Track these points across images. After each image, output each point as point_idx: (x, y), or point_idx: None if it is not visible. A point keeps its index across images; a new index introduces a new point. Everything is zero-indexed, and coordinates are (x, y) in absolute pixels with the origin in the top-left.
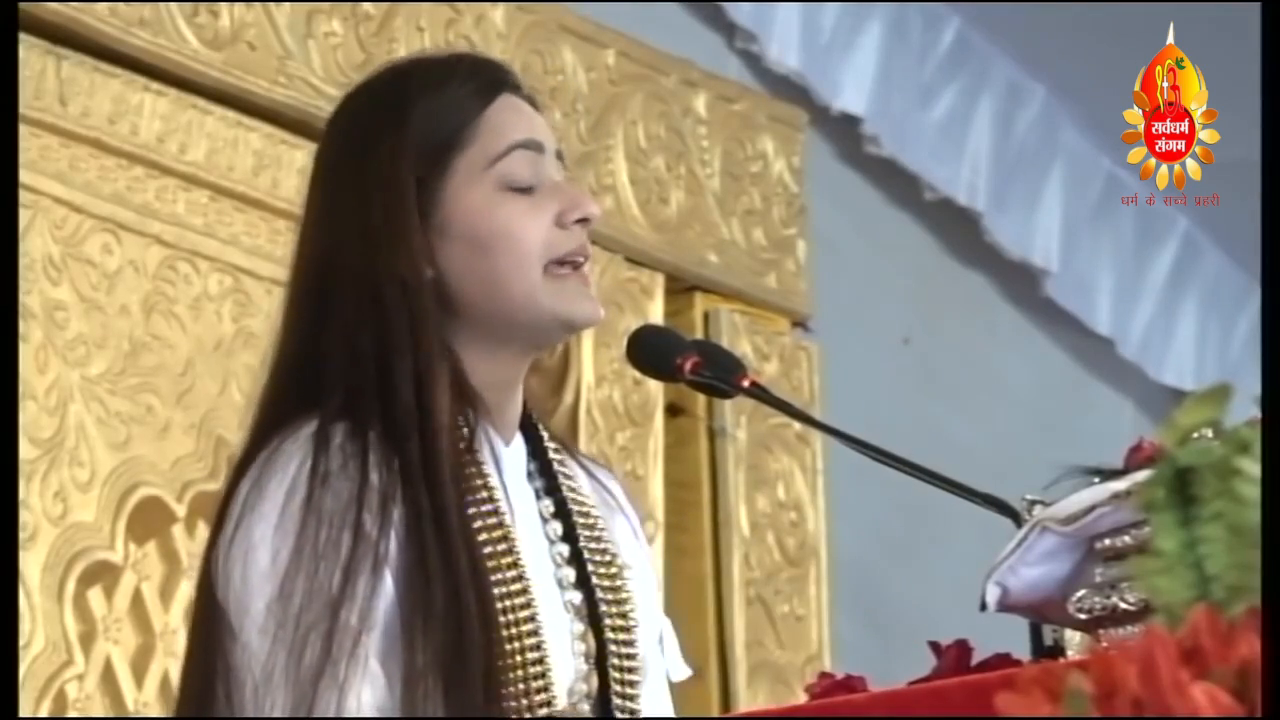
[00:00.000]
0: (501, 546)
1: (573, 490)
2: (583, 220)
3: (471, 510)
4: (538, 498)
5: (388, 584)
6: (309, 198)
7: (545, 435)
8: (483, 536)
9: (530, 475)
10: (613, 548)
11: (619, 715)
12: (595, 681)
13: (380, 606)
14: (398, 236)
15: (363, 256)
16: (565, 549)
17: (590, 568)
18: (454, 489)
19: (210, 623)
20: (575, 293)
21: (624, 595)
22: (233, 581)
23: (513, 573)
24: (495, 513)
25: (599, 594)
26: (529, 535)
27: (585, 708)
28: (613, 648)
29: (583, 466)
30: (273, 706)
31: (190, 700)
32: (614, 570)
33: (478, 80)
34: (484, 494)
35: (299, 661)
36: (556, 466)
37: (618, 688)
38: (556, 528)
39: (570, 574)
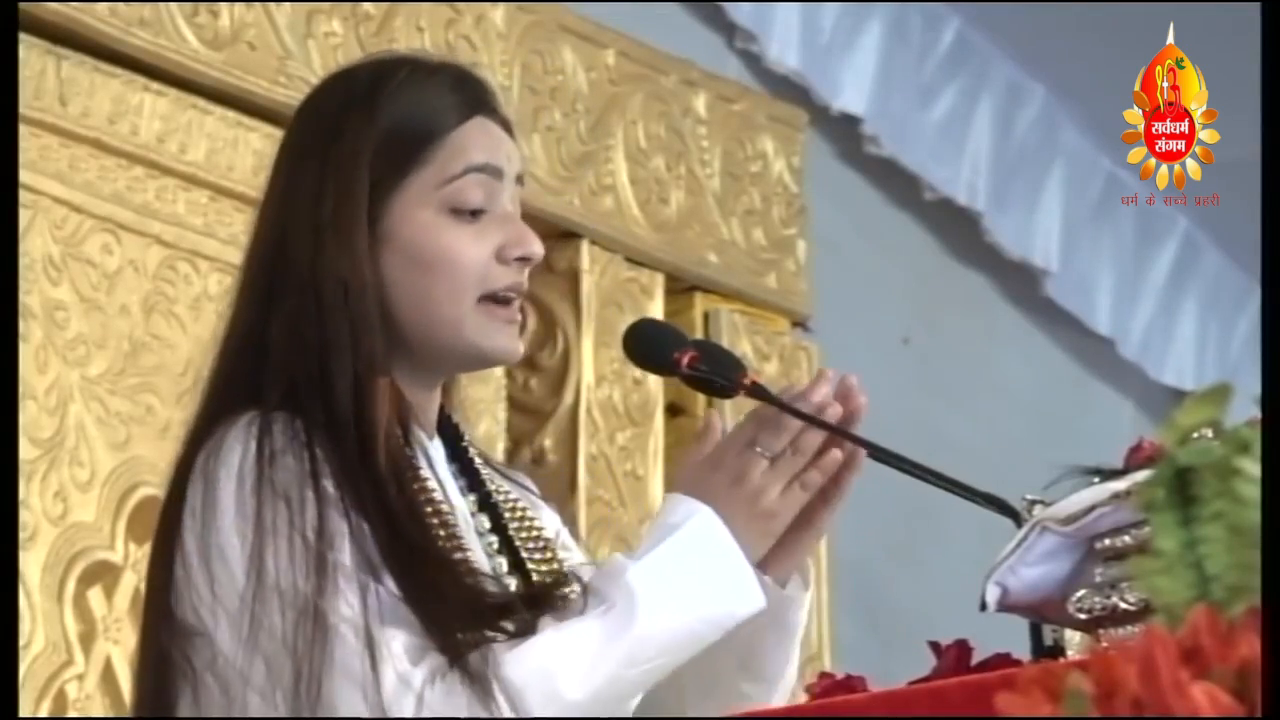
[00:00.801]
0: (443, 533)
1: (496, 487)
2: (523, 259)
3: (420, 502)
4: (463, 494)
5: (364, 527)
6: (271, 175)
7: (465, 436)
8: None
9: (454, 474)
10: (545, 533)
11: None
12: None
13: (366, 537)
14: (344, 237)
15: (309, 250)
16: (495, 539)
17: (524, 554)
18: (393, 483)
19: (168, 637)
20: (498, 329)
21: (561, 576)
22: (212, 584)
23: (459, 555)
24: (432, 502)
25: (535, 577)
26: (463, 527)
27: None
28: None
29: (497, 470)
30: (280, 679)
31: (151, 704)
32: (549, 554)
33: (456, 96)
34: (418, 486)
35: (287, 626)
36: (477, 464)
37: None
38: (484, 520)
39: (503, 562)
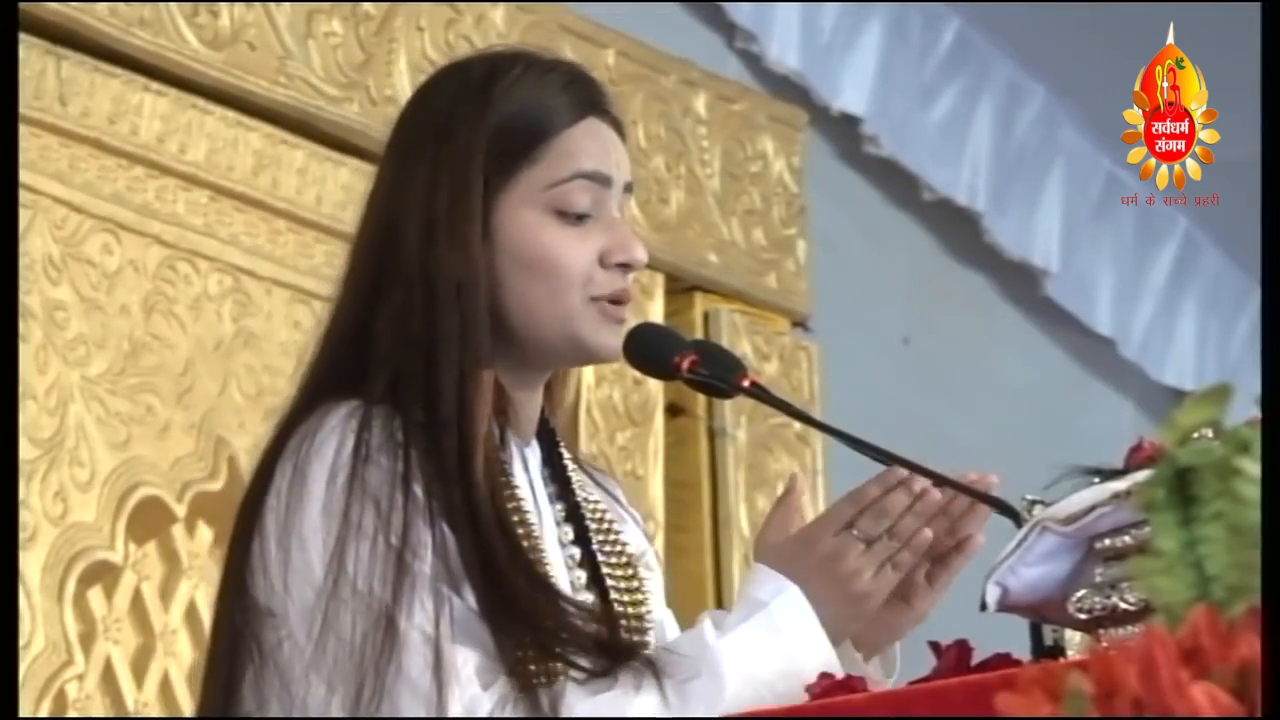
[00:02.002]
0: (526, 544)
1: (585, 496)
2: (625, 264)
3: (508, 510)
4: (551, 502)
5: (449, 534)
6: (382, 166)
7: (560, 444)
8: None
9: (545, 480)
10: (629, 549)
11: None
12: None
13: (451, 550)
14: (459, 233)
15: (422, 244)
16: (577, 551)
17: (605, 570)
18: (486, 486)
19: (243, 617)
20: (604, 325)
21: (640, 596)
22: (287, 572)
23: (539, 569)
24: (519, 510)
25: (613, 594)
26: (546, 538)
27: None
28: None
29: (590, 475)
30: (346, 680)
31: (216, 700)
32: (630, 572)
33: (569, 95)
34: (509, 493)
35: (360, 628)
36: (570, 472)
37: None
38: (569, 531)
39: (582, 576)
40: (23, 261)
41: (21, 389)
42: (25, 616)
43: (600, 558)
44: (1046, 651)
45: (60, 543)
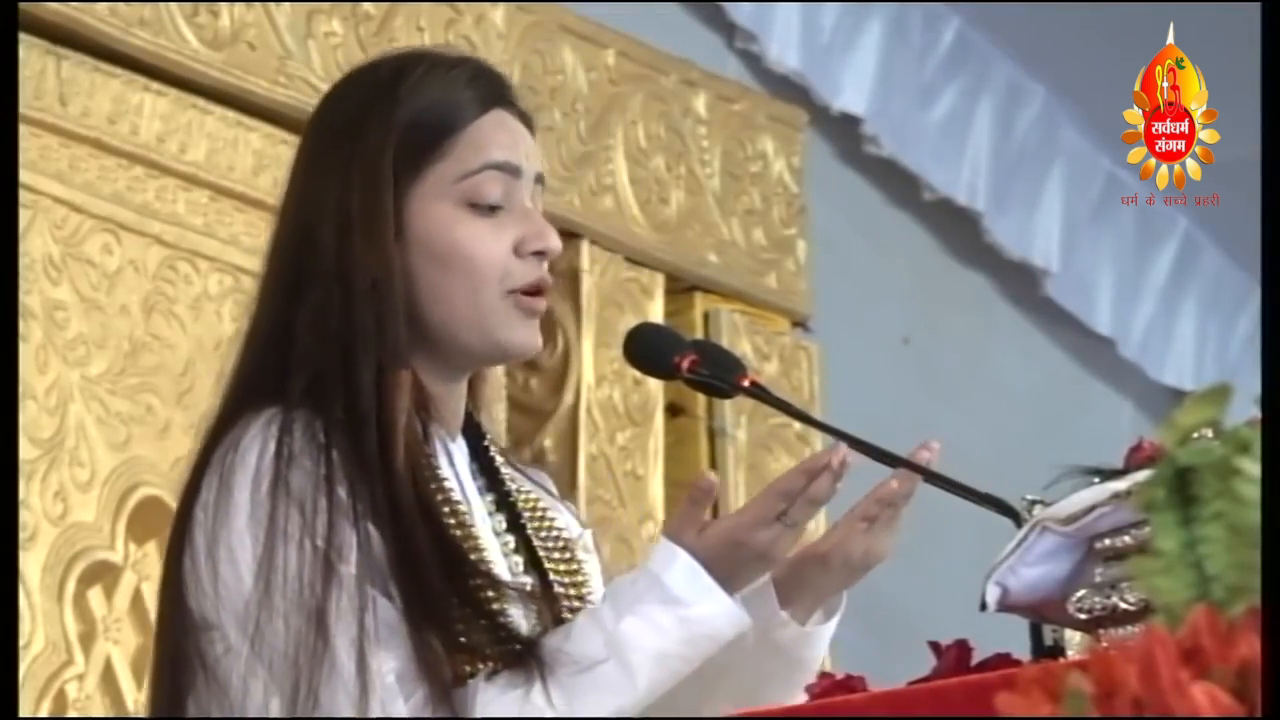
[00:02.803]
0: (459, 533)
1: (517, 486)
2: (540, 252)
3: (437, 502)
4: (481, 494)
5: (374, 535)
6: (293, 170)
7: (487, 437)
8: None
9: (473, 474)
10: (565, 533)
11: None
12: None
13: (374, 556)
14: (373, 230)
15: (337, 243)
16: (512, 539)
17: (542, 553)
18: (409, 480)
19: (181, 630)
20: (519, 321)
21: (580, 578)
22: (218, 582)
23: (474, 556)
24: (449, 501)
25: (553, 576)
26: (480, 526)
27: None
28: None
29: (518, 469)
30: (281, 687)
31: (166, 706)
32: (568, 555)
33: (476, 88)
34: (436, 485)
35: (291, 635)
36: (499, 463)
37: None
38: (501, 520)
39: (520, 561)
40: (23, 261)
41: (21, 389)
42: (25, 616)
43: (536, 542)
44: (1046, 651)
45: (60, 543)
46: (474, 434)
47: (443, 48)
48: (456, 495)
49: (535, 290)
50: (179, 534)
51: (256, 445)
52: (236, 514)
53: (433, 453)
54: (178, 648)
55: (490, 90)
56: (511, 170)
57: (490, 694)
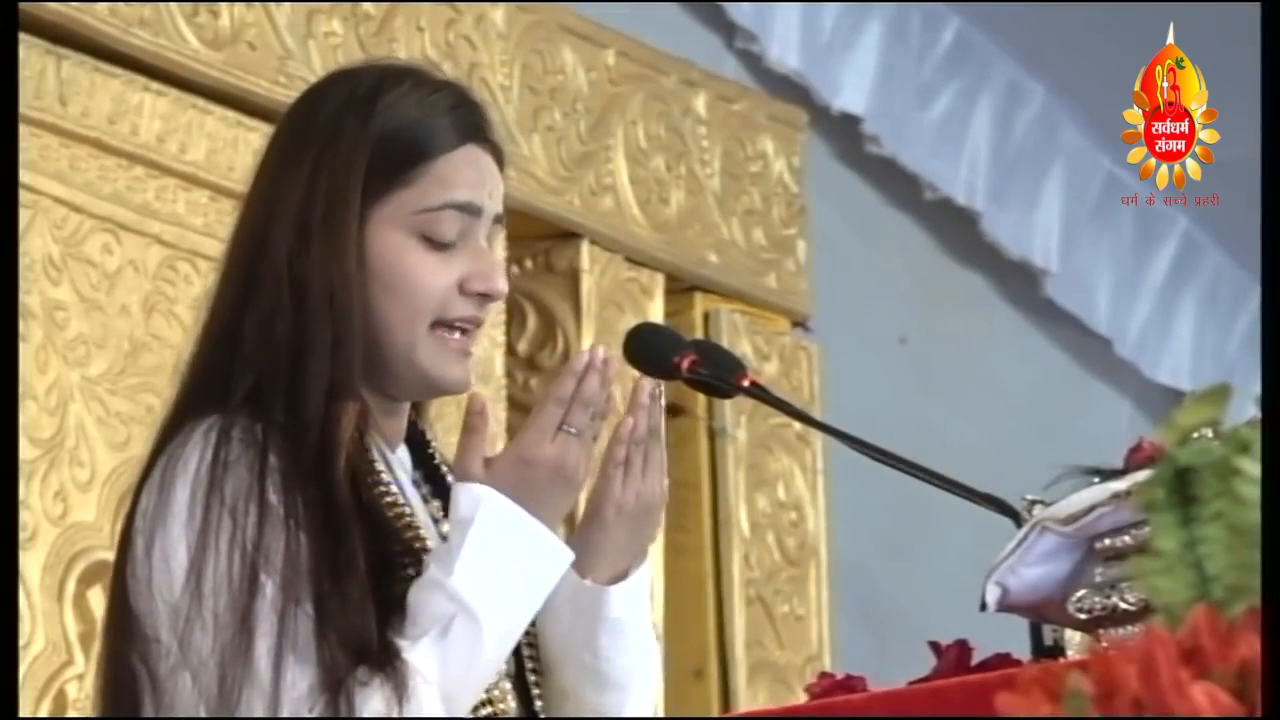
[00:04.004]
0: (409, 534)
1: None
2: (485, 295)
3: (382, 504)
4: (425, 501)
5: (305, 543)
6: (259, 167)
7: (431, 445)
8: (395, 527)
9: (416, 482)
10: None
11: (529, 674)
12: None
13: (302, 556)
14: (334, 240)
15: (292, 247)
16: None
17: None
18: (348, 486)
19: (128, 638)
20: (448, 357)
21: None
22: (154, 591)
23: (424, 556)
24: (395, 504)
25: None
26: (426, 531)
27: (506, 685)
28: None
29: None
30: (208, 693)
31: (114, 715)
32: None
33: (452, 118)
34: (382, 489)
35: (218, 641)
36: (443, 470)
37: (525, 644)
38: (445, 527)
39: None
40: (23, 261)
41: (21, 389)
42: (25, 616)
43: None
44: (1046, 651)
45: (60, 543)
46: (417, 443)
47: (429, 67)
48: (400, 500)
49: (464, 327)
50: (122, 542)
51: (196, 454)
52: (173, 521)
53: (374, 459)
54: (121, 653)
55: (468, 122)
56: (472, 211)
57: (368, 693)
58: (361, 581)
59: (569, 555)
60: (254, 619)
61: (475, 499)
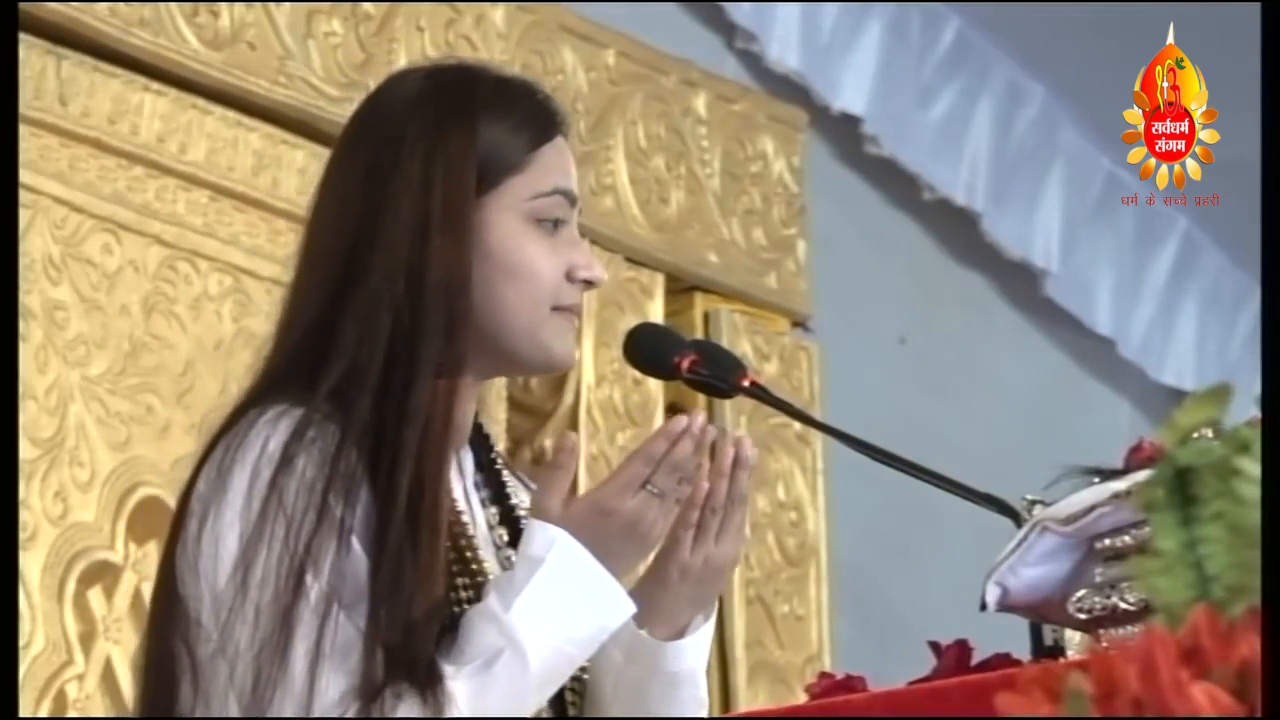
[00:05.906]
0: (462, 542)
1: (518, 498)
2: (589, 281)
3: (438, 519)
4: (484, 505)
5: (357, 551)
6: (343, 157)
7: (493, 447)
8: (456, 545)
9: (476, 485)
10: None
11: (570, 708)
12: None
13: (350, 572)
14: (453, 233)
15: (413, 241)
16: (511, 553)
17: None
18: (416, 495)
19: (172, 619)
20: (564, 335)
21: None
22: (200, 574)
23: (475, 566)
24: (457, 520)
25: None
26: (481, 542)
27: None
28: None
29: (517, 477)
30: (241, 686)
31: (152, 697)
32: None
33: (544, 114)
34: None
35: (257, 636)
36: (504, 476)
37: (570, 683)
38: (502, 533)
39: None
40: (23, 261)
41: (21, 389)
42: (25, 616)
43: None
44: (1046, 651)
45: (60, 543)
46: (481, 443)
47: (502, 71)
48: (461, 505)
49: (575, 312)
50: (176, 523)
51: (259, 443)
52: (227, 508)
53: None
54: (164, 632)
55: (559, 114)
56: (572, 198)
57: (401, 709)
58: (414, 599)
59: (631, 608)
60: (295, 620)
61: (550, 540)
